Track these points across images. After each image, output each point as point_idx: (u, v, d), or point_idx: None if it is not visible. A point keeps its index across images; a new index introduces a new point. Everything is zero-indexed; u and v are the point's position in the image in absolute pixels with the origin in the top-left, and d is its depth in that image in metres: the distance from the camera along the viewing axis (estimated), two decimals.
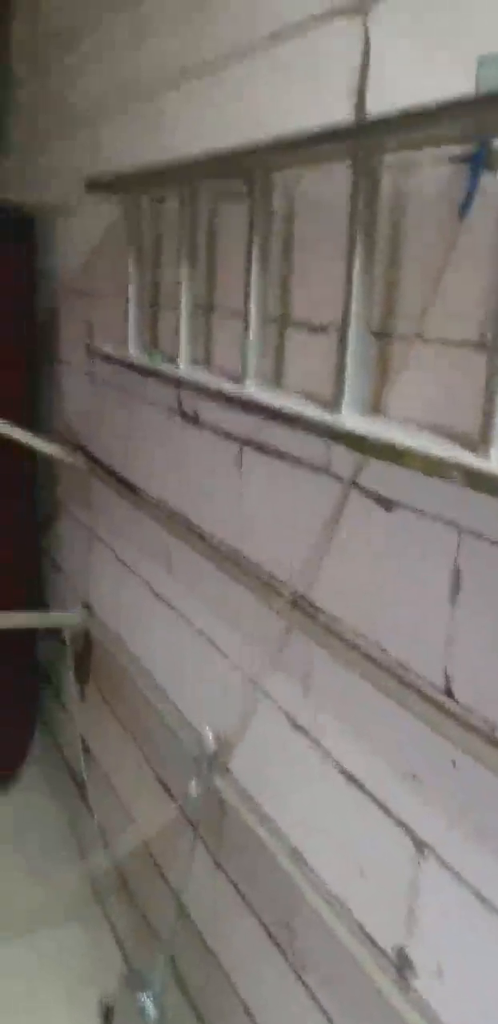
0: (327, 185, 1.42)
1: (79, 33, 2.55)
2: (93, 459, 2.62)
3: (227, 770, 1.86)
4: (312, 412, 1.33)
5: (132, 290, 2.06)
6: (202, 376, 1.73)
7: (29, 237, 2.73)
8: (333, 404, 1.30)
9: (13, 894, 2.53)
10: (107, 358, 2.20)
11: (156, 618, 2.23)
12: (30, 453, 2.80)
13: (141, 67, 2.13)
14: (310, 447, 1.51)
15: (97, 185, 2.11)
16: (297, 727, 1.61)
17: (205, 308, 1.87)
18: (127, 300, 2.06)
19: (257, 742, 1.77)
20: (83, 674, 2.85)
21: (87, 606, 2.79)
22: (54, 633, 3.18)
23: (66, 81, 2.68)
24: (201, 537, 1.94)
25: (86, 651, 2.83)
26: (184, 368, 1.81)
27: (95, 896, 2.53)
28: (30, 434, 2.66)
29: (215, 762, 1.88)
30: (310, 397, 1.45)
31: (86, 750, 2.84)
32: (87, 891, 2.55)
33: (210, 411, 1.87)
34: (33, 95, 3.08)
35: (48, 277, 2.88)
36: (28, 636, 3.01)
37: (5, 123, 3.40)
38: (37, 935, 2.39)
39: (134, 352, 2.07)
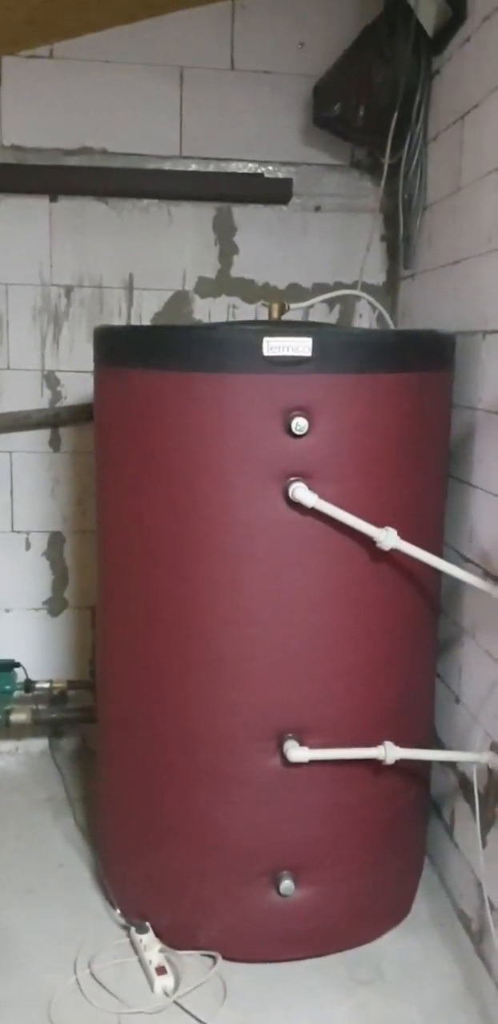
0: None
1: None
2: None
3: None
4: None
5: None
6: None
7: (449, 361, 2.69)
8: None
9: None
10: None
11: None
12: (435, 577, 2.72)
13: None
14: None
15: None
16: None
17: None
18: None
19: None
20: (487, 819, 2.64)
21: (496, 748, 2.59)
22: (448, 764, 3.03)
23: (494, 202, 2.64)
24: None
25: (492, 795, 2.63)
26: None
27: None
28: (444, 562, 2.59)
29: None
30: None
31: (485, 901, 2.61)
32: None
33: None
34: (448, 217, 3.09)
35: (463, 399, 2.82)
36: (424, 766, 2.89)
37: (411, 249, 3.46)
38: None
39: None
